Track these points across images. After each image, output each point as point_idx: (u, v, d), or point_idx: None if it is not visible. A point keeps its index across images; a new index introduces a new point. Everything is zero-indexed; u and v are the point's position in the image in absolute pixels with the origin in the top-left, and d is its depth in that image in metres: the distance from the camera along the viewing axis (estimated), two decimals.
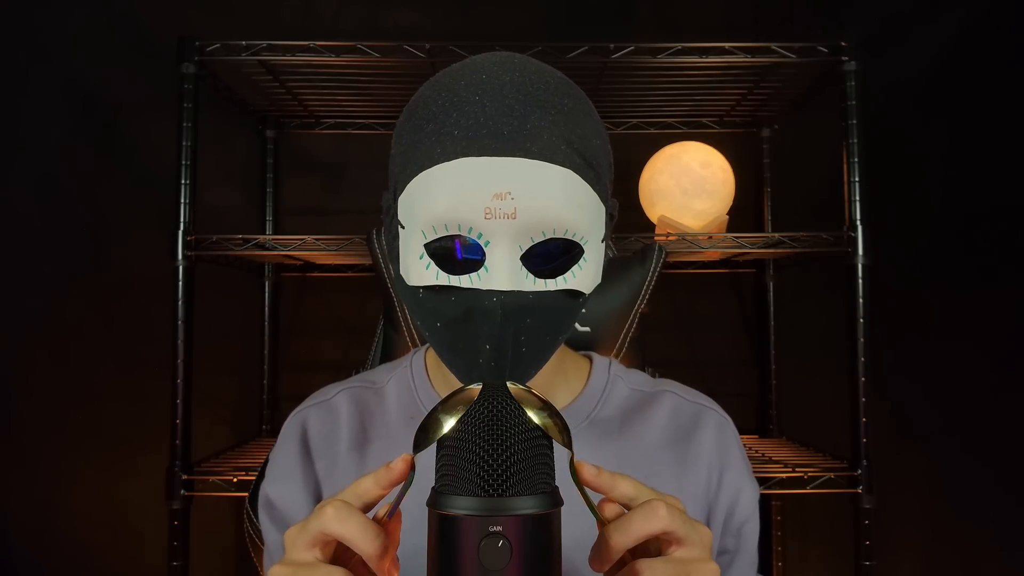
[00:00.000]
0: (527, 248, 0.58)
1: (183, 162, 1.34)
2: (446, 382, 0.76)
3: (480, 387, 0.50)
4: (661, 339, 1.73)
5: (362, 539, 0.48)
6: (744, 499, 0.75)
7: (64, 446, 1.65)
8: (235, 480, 1.32)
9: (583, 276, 0.61)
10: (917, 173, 1.72)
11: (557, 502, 0.48)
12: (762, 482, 1.36)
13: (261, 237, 1.37)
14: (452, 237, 0.58)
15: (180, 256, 1.32)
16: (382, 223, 0.68)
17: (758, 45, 1.36)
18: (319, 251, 1.38)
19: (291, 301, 1.77)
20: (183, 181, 1.34)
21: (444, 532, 0.47)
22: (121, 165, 1.68)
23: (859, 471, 1.33)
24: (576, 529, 0.57)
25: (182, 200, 1.33)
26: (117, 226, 1.67)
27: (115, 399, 1.66)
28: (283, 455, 0.77)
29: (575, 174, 0.59)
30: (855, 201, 1.36)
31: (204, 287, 1.38)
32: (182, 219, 1.33)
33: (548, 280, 0.59)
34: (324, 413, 0.78)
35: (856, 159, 1.36)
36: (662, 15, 1.76)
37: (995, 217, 1.70)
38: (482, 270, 0.58)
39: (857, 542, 1.34)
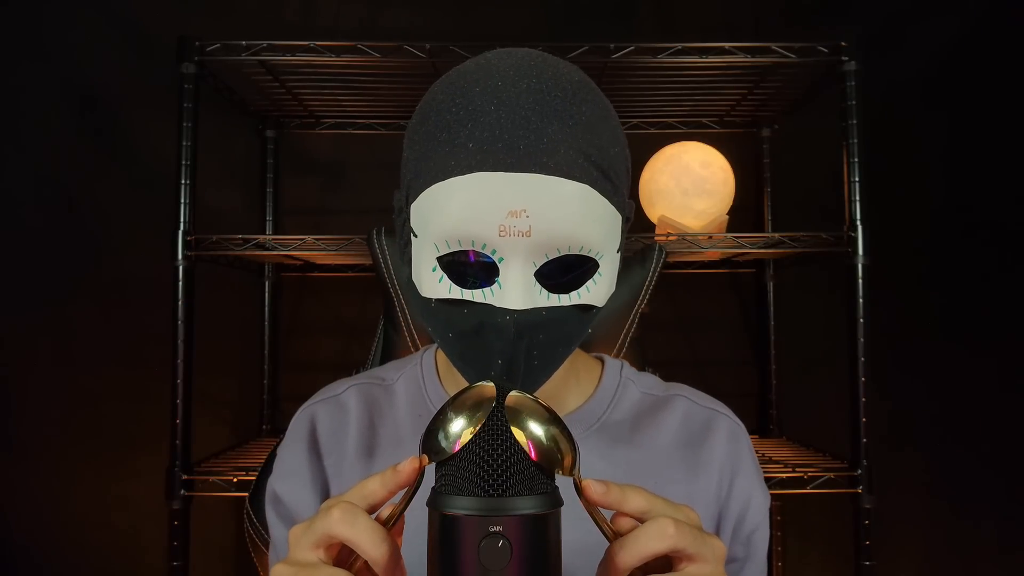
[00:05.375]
0: (541, 264, 0.58)
1: (183, 162, 1.34)
2: (456, 382, 0.76)
3: (488, 384, 0.50)
4: (661, 339, 1.73)
5: (369, 543, 0.47)
6: (754, 507, 0.74)
7: (64, 446, 1.65)
8: (235, 480, 1.32)
9: (597, 290, 0.61)
10: (917, 173, 1.72)
11: (557, 502, 0.48)
12: None
13: (261, 237, 1.37)
14: (465, 252, 0.58)
15: (180, 256, 1.32)
16: (388, 223, 0.68)
17: (758, 45, 1.36)
18: (319, 251, 1.38)
19: (291, 301, 1.77)
20: (183, 181, 1.34)
21: (444, 532, 0.47)
22: (121, 165, 1.68)
23: (859, 471, 1.33)
24: (576, 533, 0.56)
25: (182, 200, 1.33)
26: (117, 226, 1.67)
27: (115, 399, 1.66)
28: (291, 451, 0.77)
29: (592, 188, 0.58)
30: (855, 201, 1.36)
31: (204, 287, 1.38)
32: (182, 219, 1.33)
33: (562, 295, 0.59)
34: (333, 409, 0.78)
35: (856, 159, 1.36)
36: (662, 15, 1.76)
37: (995, 217, 1.70)
38: (495, 286, 0.58)
39: (857, 542, 1.34)
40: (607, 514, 0.51)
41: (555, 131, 0.57)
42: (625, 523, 0.50)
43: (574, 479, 0.49)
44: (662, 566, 0.50)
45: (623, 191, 0.64)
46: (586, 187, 0.57)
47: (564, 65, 0.62)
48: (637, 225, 1.56)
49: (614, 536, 0.50)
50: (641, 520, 0.50)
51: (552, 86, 0.59)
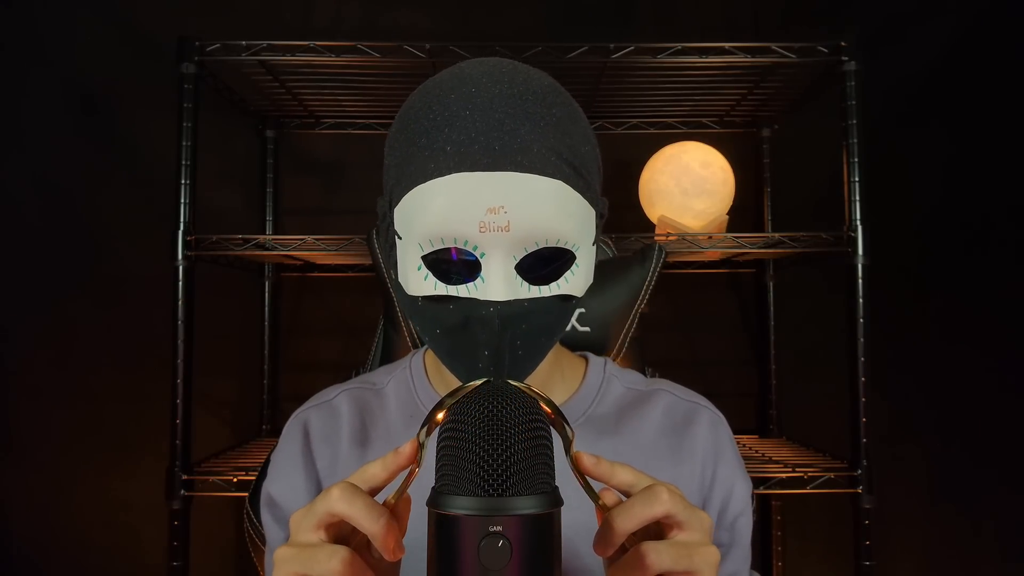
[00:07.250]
0: (520, 258, 0.60)
1: (183, 162, 1.34)
2: (445, 382, 0.78)
3: (481, 382, 0.51)
4: (661, 339, 1.73)
5: (367, 518, 0.49)
6: (737, 494, 0.77)
7: (64, 446, 1.65)
8: (235, 480, 1.33)
9: (575, 281, 0.63)
10: (917, 172, 1.72)
11: (557, 502, 0.48)
12: (762, 482, 1.36)
13: (261, 237, 1.38)
14: (448, 250, 0.60)
15: (180, 256, 1.33)
16: (377, 227, 0.69)
17: (758, 45, 1.36)
18: (319, 251, 1.38)
19: (291, 301, 1.77)
20: (183, 181, 1.34)
21: (444, 532, 0.47)
22: (121, 165, 1.68)
23: (859, 471, 1.33)
24: (578, 515, 0.58)
25: (182, 200, 1.34)
26: (117, 226, 1.67)
27: (115, 399, 1.66)
28: (285, 454, 0.79)
29: (565, 184, 0.61)
30: (855, 201, 1.36)
31: (204, 287, 1.38)
32: (182, 219, 1.33)
33: (542, 286, 0.62)
34: (325, 414, 0.80)
35: (856, 159, 1.36)
36: (662, 15, 1.76)
37: (994, 216, 1.70)
38: (478, 280, 0.61)
39: (857, 542, 1.34)
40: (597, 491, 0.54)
41: (528, 131, 0.60)
42: (610, 497, 0.54)
43: (570, 453, 0.53)
44: (654, 535, 0.53)
45: (595, 187, 0.67)
46: (559, 183, 0.60)
47: (534, 71, 0.66)
48: (637, 225, 1.56)
49: (603, 507, 0.53)
50: (627, 495, 0.53)
51: (523, 90, 0.62)
